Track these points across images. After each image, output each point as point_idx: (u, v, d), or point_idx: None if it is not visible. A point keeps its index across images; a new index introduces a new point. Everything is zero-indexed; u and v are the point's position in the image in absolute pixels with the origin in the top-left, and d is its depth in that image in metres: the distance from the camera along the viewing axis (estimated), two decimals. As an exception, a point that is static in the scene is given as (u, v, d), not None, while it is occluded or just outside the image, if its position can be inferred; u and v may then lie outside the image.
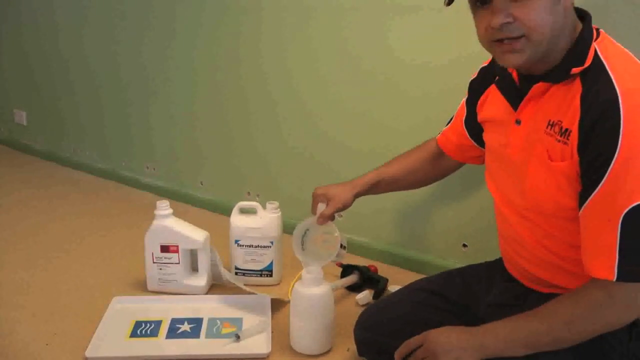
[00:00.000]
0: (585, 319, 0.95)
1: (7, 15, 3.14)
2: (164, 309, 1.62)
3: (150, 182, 2.66)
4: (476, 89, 1.23)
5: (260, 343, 1.46)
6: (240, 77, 2.21)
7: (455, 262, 1.78)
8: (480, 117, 1.22)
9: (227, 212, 1.80)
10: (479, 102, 1.22)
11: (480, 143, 1.29)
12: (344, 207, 1.36)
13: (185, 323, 1.55)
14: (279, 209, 1.74)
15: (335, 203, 1.33)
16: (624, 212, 0.89)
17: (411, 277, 1.58)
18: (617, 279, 0.91)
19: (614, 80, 0.91)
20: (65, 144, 3.06)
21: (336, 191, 1.35)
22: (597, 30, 1.00)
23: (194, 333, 1.51)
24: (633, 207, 0.88)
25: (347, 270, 1.80)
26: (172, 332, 1.52)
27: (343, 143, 1.97)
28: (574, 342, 0.96)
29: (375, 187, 1.40)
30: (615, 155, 0.88)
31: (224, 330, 1.52)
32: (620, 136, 0.88)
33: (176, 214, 1.72)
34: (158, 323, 1.55)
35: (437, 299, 1.27)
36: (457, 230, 1.79)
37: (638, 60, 0.97)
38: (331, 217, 1.35)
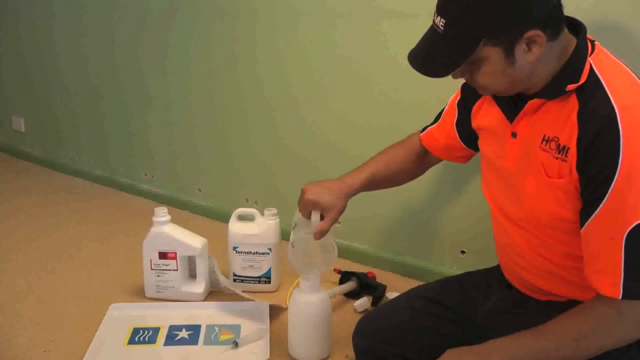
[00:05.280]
0: (594, 336, 0.94)
1: (5, 23, 3.14)
2: (162, 315, 1.62)
3: (148, 189, 2.66)
4: (471, 94, 1.20)
5: (258, 350, 1.46)
6: (236, 83, 2.22)
7: (454, 268, 1.79)
8: (475, 124, 1.21)
9: (225, 219, 1.80)
10: (474, 107, 1.20)
11: (470, 146, 1.27)
12: (340, 214, 1.30)
13: (184, 330, 1.55)
14: (277, 216, 1.75)
15: (332, 216, 1.26)
16: (627, 229, 0.89)
17: (409, 284, 1.58)
18: (623, 297, 0.91)
19: (610, 97, 0.90)
20: (63, 151, 3.06)
21: (329, 200, 1.26)
22: (592, 42, 0.99)
23: (192, 340, 1.51)
24: (637, 225, 0.88)
25: (345, 277, 1.80)
26: (170, 339, 1.52)
27: (341, 149, 1.97)
28: (580, 358, 0.95)
29: (366, 189, 1.36)
30: (617, 172, 0.88)
31: (222, 337, 1.52)
32: (621, 153, 0.87)
33: (174, 220, 1.72)
34: (156, 330, 1.55)
35: (435, 306, 1.27)
36: (456, 237, 1.80)
37: (631, 71, 0.97)
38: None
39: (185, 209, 2.47)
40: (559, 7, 0.95)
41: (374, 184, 1.34)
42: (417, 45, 1.01)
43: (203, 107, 2.37)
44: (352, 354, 1.34)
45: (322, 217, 1.27)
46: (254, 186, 2.28)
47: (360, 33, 1.84)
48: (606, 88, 0.91)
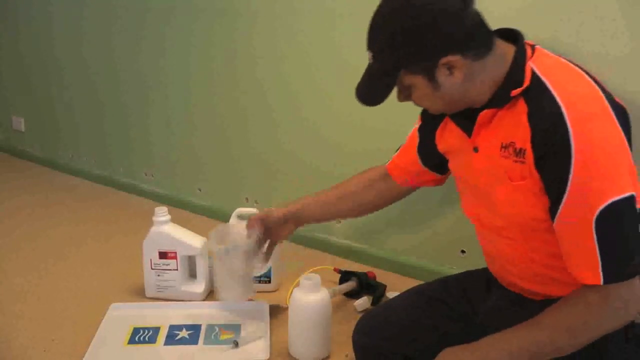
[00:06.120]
0: (586, 323, 0.96)
1: (5, 24, 3.15)
2: (162, 315, 1.62)
3: (148, 189, 2.66)
4: (431, 119, 1.23)
5: (258, 349, 1.46)
6: (236, 83, 2.22)
7: (454, 268, 1.79)
8: (441, 147, 1.24)
9: (226, 219, 1.80)
10: (437, 132, 1.24)
11: (435, 169, 1.31)
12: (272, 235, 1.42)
13: (184, 329, 1.55)
14: (277, 215, 1.75)
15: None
16: (594, 217, 0.91)
17: (409, 283, 1.58)
18: (605, 282, 0.93)
19: (554, 94, 0.93)
20: (63, 151, 3.06)
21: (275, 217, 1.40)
22: (533, 47, 1.02)
23: (193, 340, 1.51)
24: (602, 210, 0.90)
25: (345, 276, 1.80)
26: (171, 339, 1.51)
27: (341, 148, 1.97)
28: (575, 348, 0.96)
29: (306, 218, 1.42)
30: (571, 166, 0.90)
31: (223, 337, 1.52)
32: (572, 146, 0.90)
33: (174, 220, 1.72)
34: (156, 330, 1.55)
35: (435, 305, 1.28)
36: (455, 237, 1.79)
37: (574, 66, 1.00)
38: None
39: (186, 209, 2.47)
40: (479, 26, 0.99)
41: (319, 211, 1.41)
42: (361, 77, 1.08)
43: (203, 106, 2.37)
44: (352, 353, 1.34)
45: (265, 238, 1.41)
46: (254, 186, 2.28)
47: (360, 32, 1.83)
48: (550, 87, 0.95)
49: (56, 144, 3.10)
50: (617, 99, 0.98)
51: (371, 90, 1.05)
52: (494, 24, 1.02)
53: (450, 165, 1.24)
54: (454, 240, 1.80)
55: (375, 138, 1.88)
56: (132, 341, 1.50)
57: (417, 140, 1.31)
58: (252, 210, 1.75)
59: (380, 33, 1.03)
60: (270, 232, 1.42)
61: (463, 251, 1.79)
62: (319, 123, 2.02)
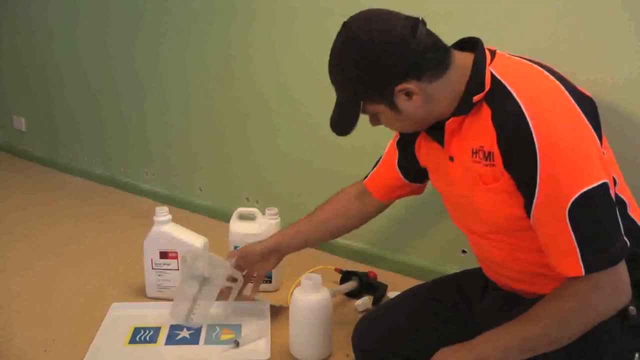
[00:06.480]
0: (576, 313, 0.96)
1: (4, 24, 3.15)
2: (163, 315, 1.61)
3: (149, 189, 2.66)
4: (409, 134, 1.24)
5: (259, 349, 1.46)
6: (234, 83, 2.22)
7: (454, 268, 1.78)
8: (421, 162, 1.26)
9: (226, 218, 1.80)
10: (415, 147, 1.25)
11: (416, 181, 1.33)
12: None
13: (184, 329, 1.55)
14: (278, 215, 1.75)
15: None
16: (566, 210, 0.92)
17: (410, 283, 1.57)
18: (586, 272, 0.93)
19: (514, 94, 0.95)
20: (64, 150, 3.07)
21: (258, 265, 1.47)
22: (493, 52, 1.04)
23: (193, 339, 1.51)
24: (573, 201, 0.91)
25: (346, 276, 1.80)
26: (171, 339, 1.51)
27: (340, 147, 1.97)
28: (568, 339, 0.97)
29: (287, 248, 1.46)
30: (538, 162, 0.92)
31: (223, 337, 1.52)
32: (535, 142, 0.92)
33: (175, 220, 1.72)
34: (157, 329, 1.55)
35: (433, 305, 1.28)
36: (456, 236, 1.78)
37: (534, 64, 1.02)
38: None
39: (186, 209, 2.47)
40: (432, 48, 1.01)
41: (299, 241, 1.45)
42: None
43: (201, 106, 2.37)
44: (352, 353, 1.34)
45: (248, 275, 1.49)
46: (255, 185, 2.28)
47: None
48: (509, 88, 0.97)
49: (56, 144, 3.10)
50: (582, 90, 1.00)
51: (340, 121, 1.09)
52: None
53: (432, 180, 1.25)
54: (454, 240, 1.80)
55: (374, 136, 1.87)
56: (132, 341, 1.50)
57: (396, 154, 1.32)
58: (253, 210, 1.75)
59: (337, 68, 1.06)
60: (252, 269, 1.48)
61: (464, 251, 1.79)
62: (318, 122, 2.02)
